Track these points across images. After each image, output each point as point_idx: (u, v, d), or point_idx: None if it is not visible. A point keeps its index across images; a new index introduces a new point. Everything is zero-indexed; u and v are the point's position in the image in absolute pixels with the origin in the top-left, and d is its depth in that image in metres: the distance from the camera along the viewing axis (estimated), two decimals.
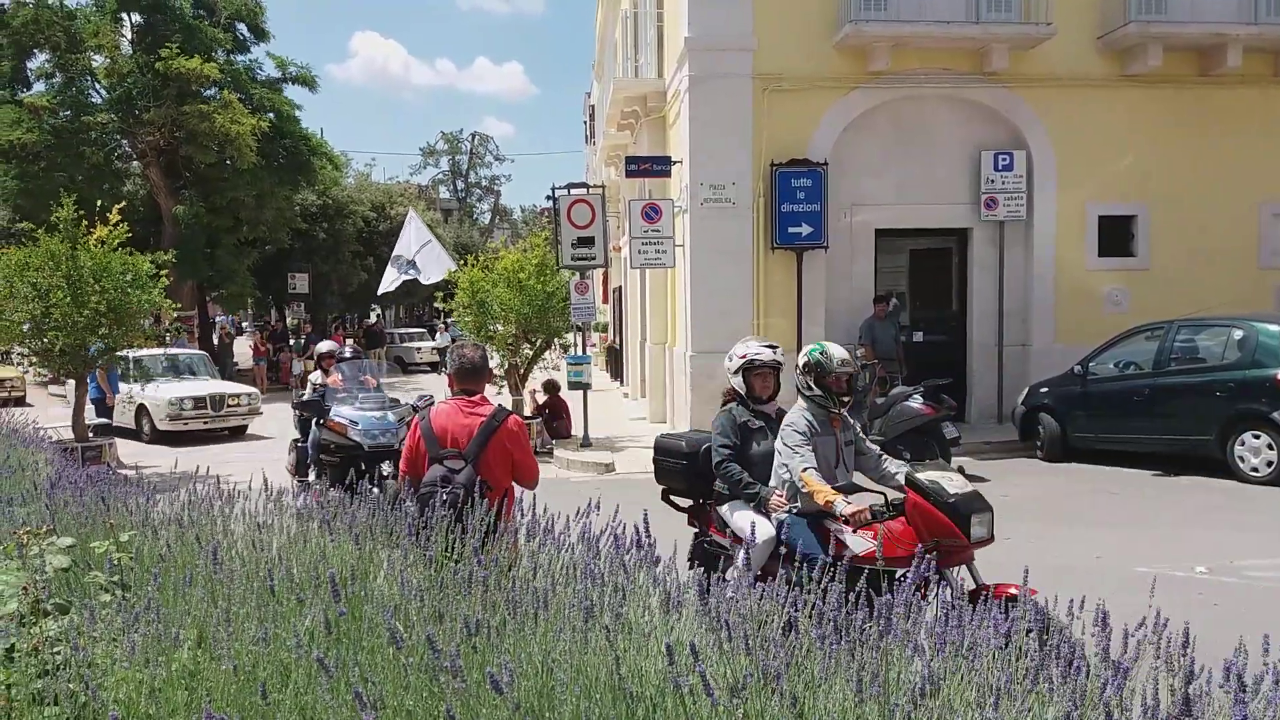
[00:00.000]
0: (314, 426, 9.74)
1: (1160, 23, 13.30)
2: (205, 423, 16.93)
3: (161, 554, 4.09)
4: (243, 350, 35.27)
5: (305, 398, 10.18)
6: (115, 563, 3.93)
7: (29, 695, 3.04)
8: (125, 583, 3.89)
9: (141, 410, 17.10)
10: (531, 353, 15.36)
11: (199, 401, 16.88)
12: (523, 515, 4.08)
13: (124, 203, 14.24)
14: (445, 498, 4.18)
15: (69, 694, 2.94)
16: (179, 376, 18.06)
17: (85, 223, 12.69)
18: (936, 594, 3.17)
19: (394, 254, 19.09)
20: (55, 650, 3.22)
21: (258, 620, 3.22)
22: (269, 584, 3.43)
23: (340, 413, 9.41)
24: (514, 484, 4.71)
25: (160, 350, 17.76)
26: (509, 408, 4.90)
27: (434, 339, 36.77)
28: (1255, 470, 10.00)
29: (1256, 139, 13.94)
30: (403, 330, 36.07)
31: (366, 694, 2.48)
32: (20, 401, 21.96)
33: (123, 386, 16.90)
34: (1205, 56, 13.76)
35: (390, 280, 19.21)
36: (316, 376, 10.53)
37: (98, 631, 3.30)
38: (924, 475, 4.62)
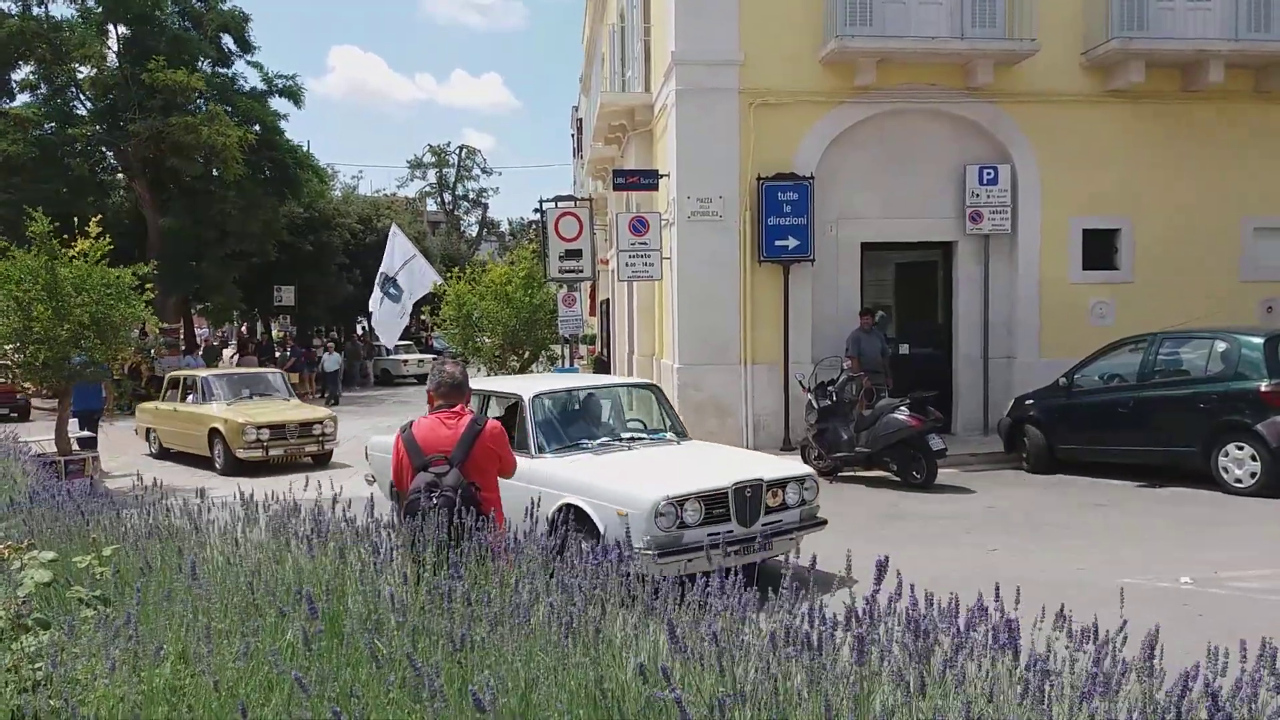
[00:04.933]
0: None
1: (1142, 39, 13.42)
2: None
3: (142, 568, 4.06)
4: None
5: None
6: (97, 577, 3.90)
7: (8, 712, 3.01)
8: (106, 597, 3.86)
9: None
10: (518, 365, 15.35)
11: None
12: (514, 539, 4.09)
13: (103, 216, 14.12)
14: (436, 501, 4.26)
15: (50, 710, 2.92)
16: None
17: (64, 236, 12.57)
18: None
19: (380, 275, 18.56)
20: (36, 666, 3.19)
21: (240, 635, 3.20)
22: (250, 598, 3.41)
23: None
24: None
25: None
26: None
27: (337, 353, 30.36)
28: (1239, 481, 10.05)
29: (1238, 154, 14.07)
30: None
31: (348, 711, 2.46)
32: (327, 458, 15.15)
33: None
34: (1187, 72, 13.89)
35: (376, 302, 18.34)
36: None
37: (78, 647, 3.27)
38: None
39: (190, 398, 15.65)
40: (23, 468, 8.27)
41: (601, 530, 6.59)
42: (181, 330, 30.73)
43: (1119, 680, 2.53)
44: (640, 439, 8.08)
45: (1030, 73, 13.71)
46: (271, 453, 14.22)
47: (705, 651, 2.69)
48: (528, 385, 8.27)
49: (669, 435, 8.30)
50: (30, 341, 12.32)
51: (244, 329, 45.50)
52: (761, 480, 7.01)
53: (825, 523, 7.44)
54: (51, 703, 2.92)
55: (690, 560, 6.12)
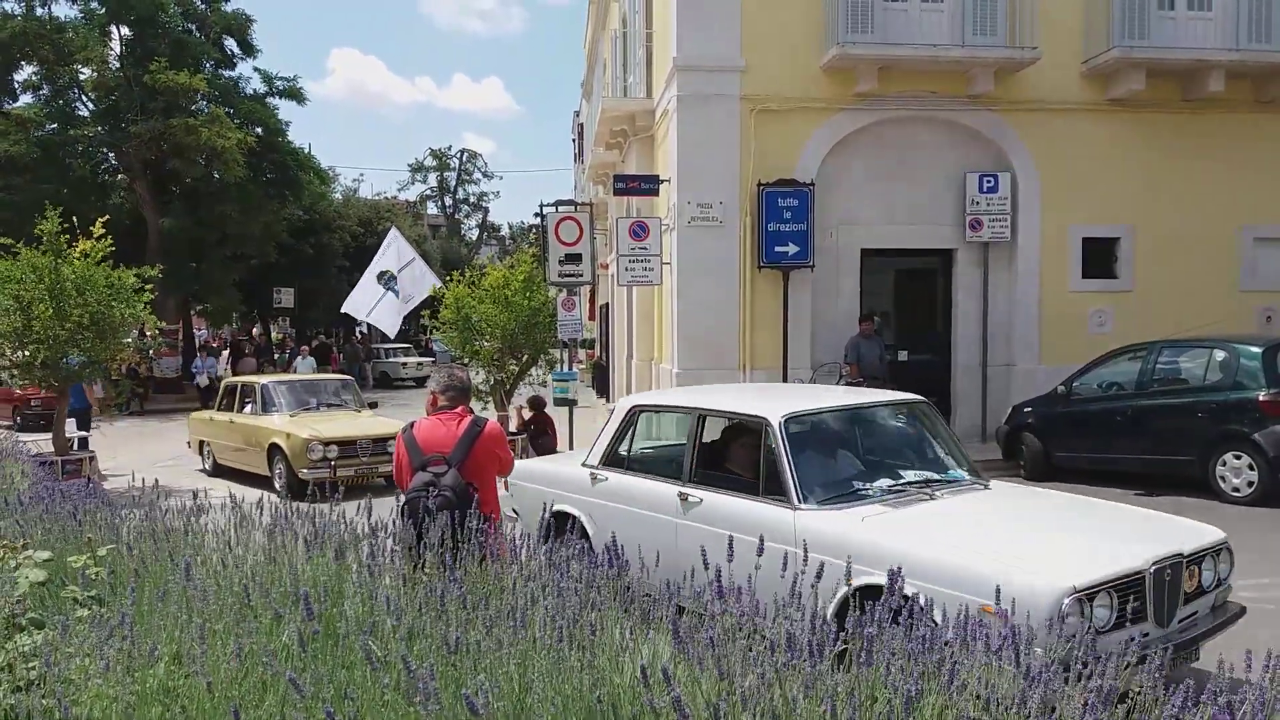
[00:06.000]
0: None
1: (1143, 48, 13.43)
2: None
3: (136, 569, 4.06)
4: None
5: None
6: (92, 577, 3.90)
7: (2, 711, 3.00)
8: (101, 597, 3.85)
9: None
10: (517, 369, 15.32)
11: None
12: (515, 543, 4.10)
13: (108, 216, 14.10)
14: (433, 501, 4.28)
15: (43, 710, 2.91)
16: None
17: (67, 236, 12.56)
18: None
19: (377, 270, 18.17)
20: (30, 666, 3.18)
21: (235, 636, 3.19)
22: (245, 599, 3.40)
23: None
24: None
25: None
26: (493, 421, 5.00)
27: (297, 361, 26.25)
28: (1236, 490, 10.05)
29: (1238, 163, 14.08)
30: (388, 346, 35.86)
31: (342, 713, 2.46)
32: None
33: None
34: (1188, 82, 13.91)
35: (373, 298, 17.91)
36: None
37: (72, 647, 3.26)
38: None
39: (248, 407, 13.68)
40: (21, 468, 8.26)
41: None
42: (180, 331, 30.75)
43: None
44: (936, 481, 5.74)
45: (1031, 81, 13.73)
46: (340, 473, 11.93)
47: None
48: (770, 403, 5.90)
49: (964, 474, 5.95)
50: (29, 341, 12.29)
51: (237, 331, 45.44)
52: (1181, 556, 4.73)
53: (1244, 611, 5.22)
54: (45, 702, 2.91)
55: None
